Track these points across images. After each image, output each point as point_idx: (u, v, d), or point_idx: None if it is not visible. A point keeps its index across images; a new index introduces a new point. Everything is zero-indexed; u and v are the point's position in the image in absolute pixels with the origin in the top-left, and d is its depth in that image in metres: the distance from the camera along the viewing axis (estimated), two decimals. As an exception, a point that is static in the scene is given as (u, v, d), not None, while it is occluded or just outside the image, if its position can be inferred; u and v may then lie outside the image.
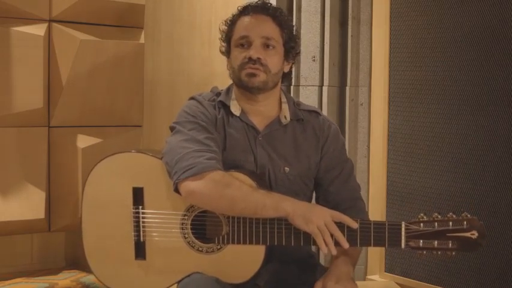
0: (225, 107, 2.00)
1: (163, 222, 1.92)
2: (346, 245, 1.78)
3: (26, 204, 2.61)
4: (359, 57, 3.02)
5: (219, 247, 1.88)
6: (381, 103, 2.85)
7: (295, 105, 2.05)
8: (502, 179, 2.43)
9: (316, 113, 2.07)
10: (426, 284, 2.66)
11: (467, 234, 1.72)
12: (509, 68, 2.39)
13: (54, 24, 2.65)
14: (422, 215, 1.77)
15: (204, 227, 1.92)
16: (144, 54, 2.84)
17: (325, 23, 3.01)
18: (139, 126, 2.92)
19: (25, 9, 2.59)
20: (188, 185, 1.82)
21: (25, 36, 2.57)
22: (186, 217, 1.90)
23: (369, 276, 2.93)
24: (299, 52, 2.09)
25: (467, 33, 2.50)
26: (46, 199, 2.66)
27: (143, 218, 1.94)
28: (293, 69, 3.05)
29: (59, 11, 2.65)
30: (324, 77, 3.02)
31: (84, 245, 2.00)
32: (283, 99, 2.05)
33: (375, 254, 2.90)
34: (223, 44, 2.05)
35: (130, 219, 1.95)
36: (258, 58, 1.92)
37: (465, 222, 1.73)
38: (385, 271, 2.83)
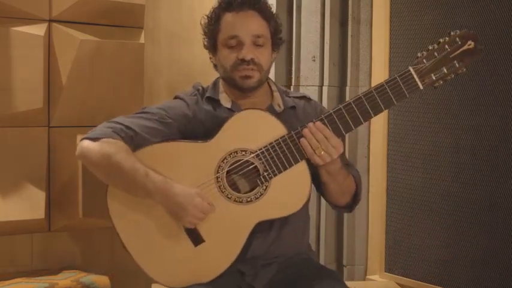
0: (213, 101, 1.97)
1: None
2: None
3: (26, 204, 2.61)
4: (359, 57, 3.02)
5: (265, 187, 1.84)
6: (381, 103, 2.85)
7: (285, 94, 2.04)
8: (503, 179, 2.43)
9: (306, 98, 2.06)
10: (426, 284, 2.66)
11: (465, 47, 1.82)
12: (509, 68, 2.39)
13: (54, 24, 2.64)
14: (419, 54, 1.83)
15: (240, 180, 1.87)
16: (144, 54, 2.84)
17: (325, 22, 3.02)
18: (140, 126, 2.91)
19: (25, 9, 2.59)
20: (82, 143, 1.87)
21: (25, 36, 2.57)
22: (219, 179, 1.85)
23: (369, 276, 2.92)
24: (284, 40, 2.06)
25: (467, 33, 2.50)
26: (46, 199, 2.66)
27: None
28: (293, 69, 3.06)
29: (59, 11, 2.64)
30: (324, 77, 3.02)
31: (132, 255, 1.90)
32: (274, 88, 2.03)
33: (375, 254, 2.90)
34: (206, 39, 2.00)
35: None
36: (252, 59, 1.89)
37: (457, 39, 1.82)
38: (385, 271, 2.83)
